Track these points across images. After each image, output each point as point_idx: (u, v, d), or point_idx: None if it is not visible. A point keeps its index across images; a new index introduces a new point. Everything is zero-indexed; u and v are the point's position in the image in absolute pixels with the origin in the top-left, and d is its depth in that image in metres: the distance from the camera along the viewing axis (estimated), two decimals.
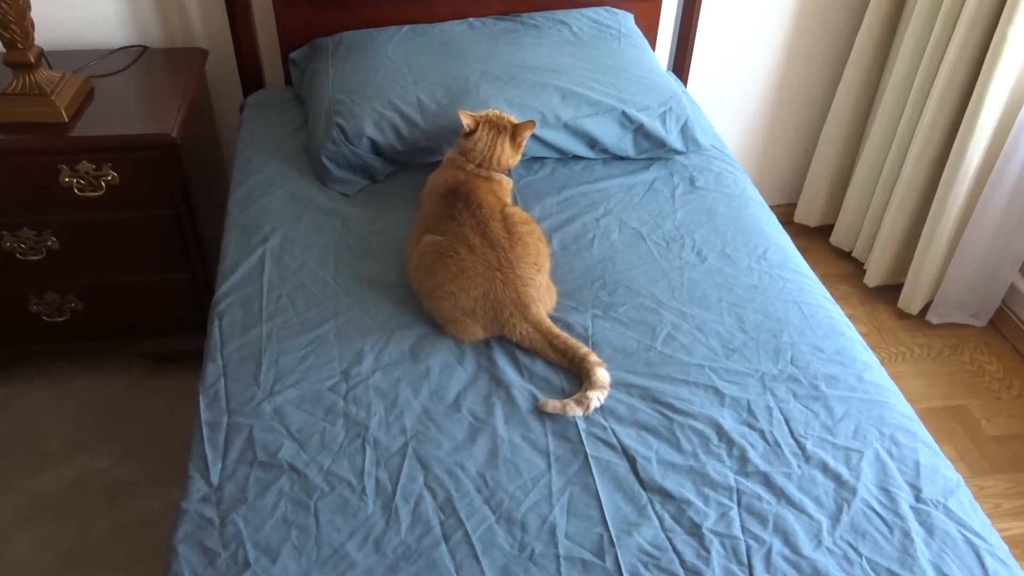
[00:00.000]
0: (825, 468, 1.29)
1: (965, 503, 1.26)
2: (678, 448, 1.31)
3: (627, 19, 2.24)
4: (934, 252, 2.45)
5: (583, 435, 1.32)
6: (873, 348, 1.58)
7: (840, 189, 2.80)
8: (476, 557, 1.15)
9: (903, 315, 2.62)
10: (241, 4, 2.09)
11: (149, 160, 1.90)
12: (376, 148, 1.84)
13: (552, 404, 1.35)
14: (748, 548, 1.18)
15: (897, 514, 1.23)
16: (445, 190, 1.61)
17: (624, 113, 1.89)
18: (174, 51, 2.24)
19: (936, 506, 1.24)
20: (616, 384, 1.40)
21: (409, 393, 1.38)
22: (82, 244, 2.00)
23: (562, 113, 1.87)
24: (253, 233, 1.71)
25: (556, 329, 1.46)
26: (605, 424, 1.34)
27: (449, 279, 1.47)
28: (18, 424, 2.15)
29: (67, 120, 1.88)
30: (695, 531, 1.19)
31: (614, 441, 1.32)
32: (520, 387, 1.40)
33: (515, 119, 1.70)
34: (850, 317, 1.64)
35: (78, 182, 1.89)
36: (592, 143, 1.91)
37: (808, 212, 2.88)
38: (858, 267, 2.78)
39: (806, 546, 1.18)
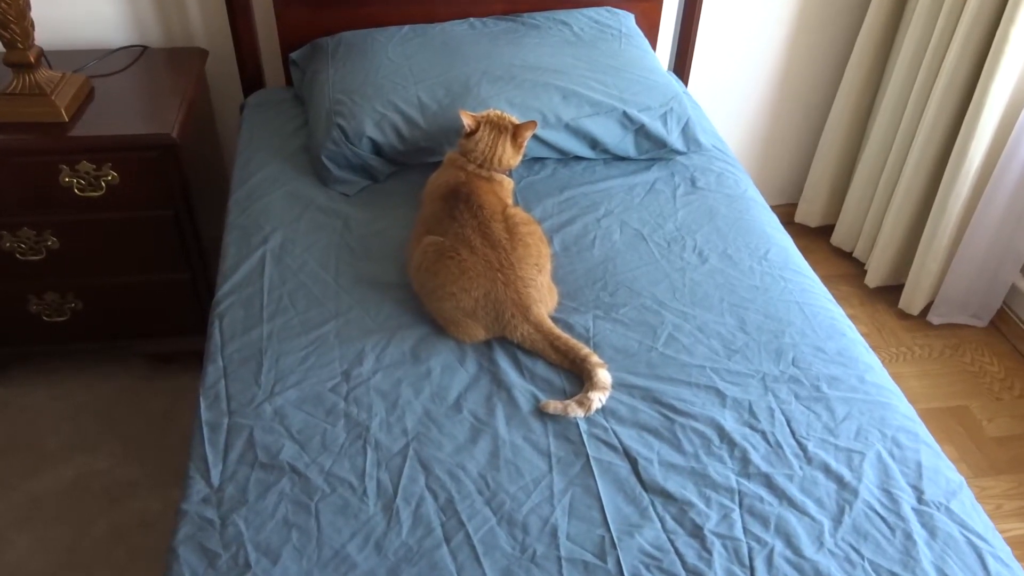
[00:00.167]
0: (827, 469, 1.29)
1: (967, 505, 1.26)
2: (680, 449, 1.31)
3: (628, 19, 2.24)
4: (935, 252, 2.44)
5: (584, 436, 1.32)
6: (874, 349, 1.58)
7: (841, 189, 2.80)
8: (477, 559, 1.15)
9: (904, 315, 2.61)
10: (241, 4, 2.08)
11: (149, 160, 1.89)
12: (377, 148, 1.84)
13: (553, 405, 1.35)
14: (750, 550, 1.17)
15: (899, 516, 1.23)
16: (446, 190, 1.61)
17: (625, 113, 1.89)
18: (174, 51, 2.23)
19: (938, 508, 1.24)
20: (617, 385, 1.40)
21: (410, 394, 1.38)
22: (82, 244, 1.99)
23: (563, 113, 1.87)
24: (253, 233, 1.70)
25: (557, 330, 1.46)
26: (606, 425, 1.34)
27: (450, 280, 1.47)
28: (18, 424, 2.14)
29: (67, 120, 1.88)
30: (697, 532, 1.19)
31: (615, 442, 1.31)
32: (521, 388, 1.40)
33: (516, 119, 1.69)
34: (851, 317, 1.64)
35: (78, 182, 1.89)
36: (593, 143, 1.91)
37: (809, 212, 2.88)
38: (859, 267, 2.77)
39: (808, 548, 1.18)
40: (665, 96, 1.94)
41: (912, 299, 2.56)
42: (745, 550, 1.17)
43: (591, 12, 2.21)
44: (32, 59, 1.85)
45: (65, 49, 2.16)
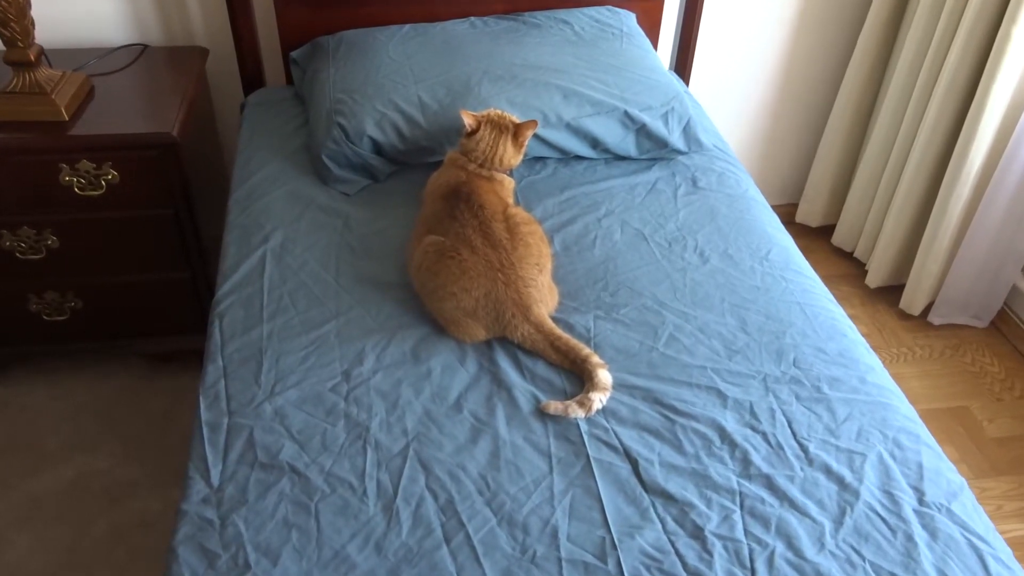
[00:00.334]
0: (828, 471, 1.28)
1: (968, 506, 1.26)
2: (680, 450, 1.30)
3: (629, 18, 2.23)
4: (936, 253, 2.44)
5: (585, 437, 1.31)
6: (875, 349, 1.58)
7: (842, 189, 2.80)
8: (478, 559, 1.15)
9: (905, 316, 2.61)
10: (242, 2, 2.08)
11: (149, 159, 1.89)
12: (377, 147, 1.84)
13: (554, 405, 1.34)
14: (751, 551, 1.17)
15: (900, 517, 1.22)
16: (447, 190, 1.60)
17: (626, 113, 1.88)
18: (174, 50, 2.23)
19: (939, 509, 1.24)
20: (618, 385, 1.39)
21: (410, 394, 1.37)
22: (82, 243, 1.99)
23: (564, 113, 1.86)
24: (254, 233, 1.70)
25: (558, 330, 1.46)
26: (607, 426, 1.33)
27: (451, 280, 1.46)
28: (17, 424, 2.14)
29: (67, 119, 1.87)
30: (697, 534, 1.19)
31: (616, 443, 1.31)
32: (522, 388, 1.39)
33: (516, 119, 1.69)
34: (851, 318, 1.63)
35: (78, 181, 1.89)
36: (594, 143, 1.91)
37: (810, 212, 2.87)
38: (860, 268, 2.77)
39: (809, 549, 1.18)
40: (666, 96, 1.94)
41: (913, 299, 2.56)
42: (746, 551, 1.17)
43: (592, 11, 2.21)
44: (32, 58, 1.84)
45: (65, 48, 2.16)
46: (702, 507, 1.22)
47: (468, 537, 1.17)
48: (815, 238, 2.89)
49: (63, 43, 2.17)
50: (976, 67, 2.24)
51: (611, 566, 1.14)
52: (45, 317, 2.10)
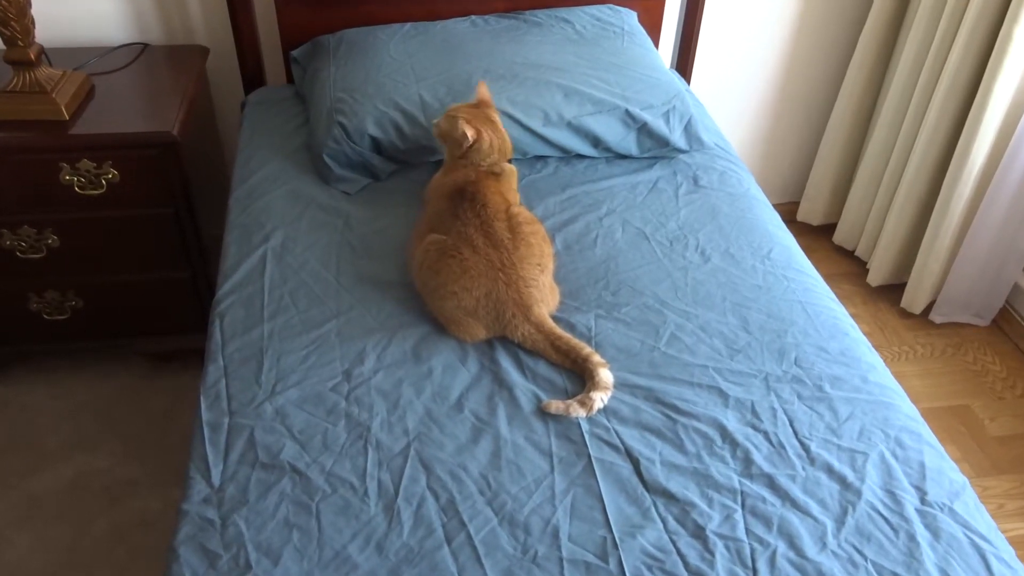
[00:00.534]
0: (830, 470, 1.28)
1: (971, 506, 1.25)
2: (682, 450, 1.30)
3: (630, 17, 2.23)
4: (937, 251, 2.44)
5: (586, 436, 1.31)
6: (876, 348, 1.58)
7: (843, 188, 2.80)
8: (479, 559, 1.14)
9: (906, 314, 2.61)
10: (242, 1, 2.08)
11: (150, 158, 1.89)
12: (378, 146, 1.83)
13: (555, 405, 1.34)
14: (752, 551, 1.17)
15: (902, 517, 1.22)
16: (452, 189, 1.60)
17: (627, 111, 1.88)
18: (175, 48, 2.23)
19: (942, 509, 1.24)
20: (619, 385, 1.39)
21: (411, 394, 1.37)
22: (82, 242, 1.99)
23: (565, 111, 1.86)
24: (254, 232, 1.70)
25: (559, 330, 1.45)
26: (608, 425, 1.33)
27: (451, 279, 1.46)
28: (17, 423, 2.14)
29: (67, 118, 1.87)
30: (699, 533, 1.19)
31: (617, 442, 1.31)
32: (523, 388, 1.39)
33: (476, 99, 1.71)
34: (853, 316, 1.63)
35: (79, 180, 1.88)
36: (595, 142, 1.90)
37: (811, 211, 2.87)
38: (861, 266, 2.77)
39: (811, 549, 1.17)
40: (667, 94, 1.93)
41: (914, 298, 2.56)
42: (748, 551, 1.17)
43: (593, 10, 2.21)
44: (32, 57, 1.84)
45: (65, 46, 2.15)
46: (704, 507, 1.22)
47: (469, 537, 1.17)
48: (816, 237, 2.89)
49: (63, 42, 2.17)
50: (978, 66, 2.24)
51: (612, 566, 1.14)
52: (45, 316, 2.10)
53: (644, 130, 1.90)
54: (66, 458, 2.05)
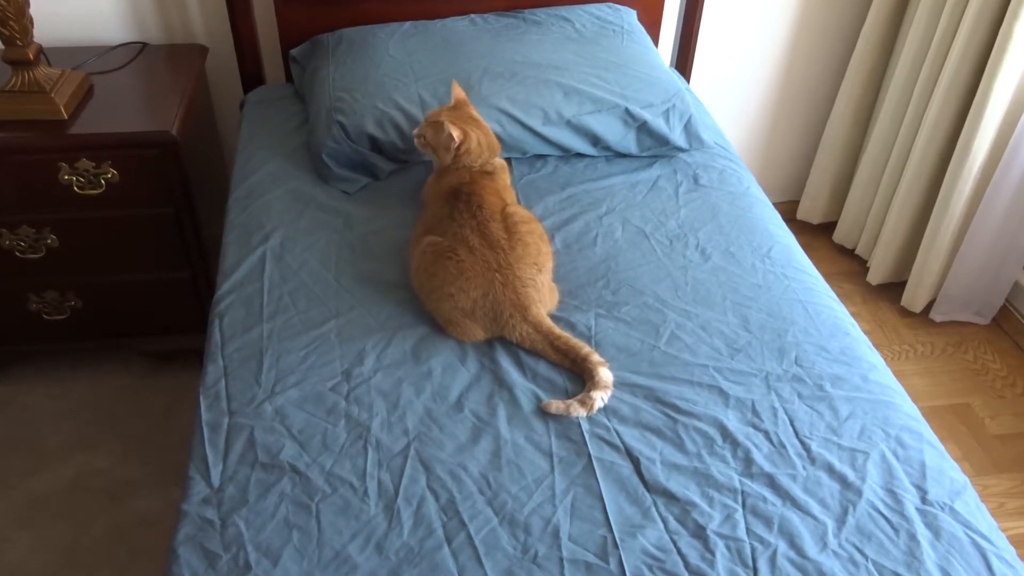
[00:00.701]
0: (830, 469, 1.28)
1: (971, 505, 1.25)
2: (682, 449, 1.30)
3: (630, 15, 2.22)
4: (938, 250, 2.44)
5: (586, 436, 1.31)
6: (876, 346, 1.57)
7: (843, 186, 2.79)
8: (479, 559, 1.14)
9: (906, 313, 2.61)
10: (241, 0, 2.07)
11: (149, 158, 1.89)
12: (377, 146, 1.83)
13: (555, 405, 1.34)
14: (753, 550, 1.17)
15: (903, 516, 1.22)
16: (448, 191, 1.60)
17: (627, 110, 1.88)
18: (174, 48, 2.22)
19: (942, 508, 1.23)
20: (620, 384, 1.39)
21: (411, 393, 1.37)
22: (82, 242, 1.99)
23: (565, 110, 1.86)
24: (254, 232, 1.69)
25: (557, 329, 1.45)
26: (609, 425, 1.33)
27: (448, 280, 1.46)
28: (17, 423, 2.14)
29: (66, 117, 1.87)
30: (699, 533, 1.18)
31: (618, 442, 1.31)
32: (523, 387, 1.39)
33: (453, 103, 1.72)
34: (853, 315, 1.63)
35: (78, 180, 1.88)
36: (595, 140, 1.90)
37: (811, 209, 2.87)
38: (861, 265, 2.76)
39: (811, 548, 1.17)
40: (667, 93, 1.93)
41: (915, 297, 2.56)
42: (748, 551, 1.17)
43: (593, 8, 2.20)
44: (31, 56, 1.84)
45: (64, 46, 2.15)
46: (704, 506, 1.22)
47: (469, 537, 1.17)
48: (816, 235, 2.88)
49: (62, 41, 2.16)
50: (978, 63, 2.23)
51: (613, 566, 1.14)
52: (45, 316, 2.10)
53: (644, 129, 1.90)
54: (66, 458, 2.05)
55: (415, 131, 1.72)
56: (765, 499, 1.23)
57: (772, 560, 1.16)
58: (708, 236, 1.73)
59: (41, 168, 1.87)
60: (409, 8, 2.15)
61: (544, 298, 1.50)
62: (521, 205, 1.71)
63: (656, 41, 2.37)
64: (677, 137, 1.93)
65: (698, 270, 1.64)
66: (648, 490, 1.24)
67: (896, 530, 1.20)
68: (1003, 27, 2.12)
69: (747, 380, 1.42)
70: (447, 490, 1.23)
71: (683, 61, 2.41)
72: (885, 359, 1.53)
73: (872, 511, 1.22)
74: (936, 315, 2.57)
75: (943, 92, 2.29)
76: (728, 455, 1.30)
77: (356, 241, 1.68)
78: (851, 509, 1.22)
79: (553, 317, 1.50)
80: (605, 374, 1.38)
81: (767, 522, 1.20)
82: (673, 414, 1.35)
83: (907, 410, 1.40)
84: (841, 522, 1.21)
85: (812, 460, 1.29)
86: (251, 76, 2.21)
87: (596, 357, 1.40)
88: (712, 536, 1.18)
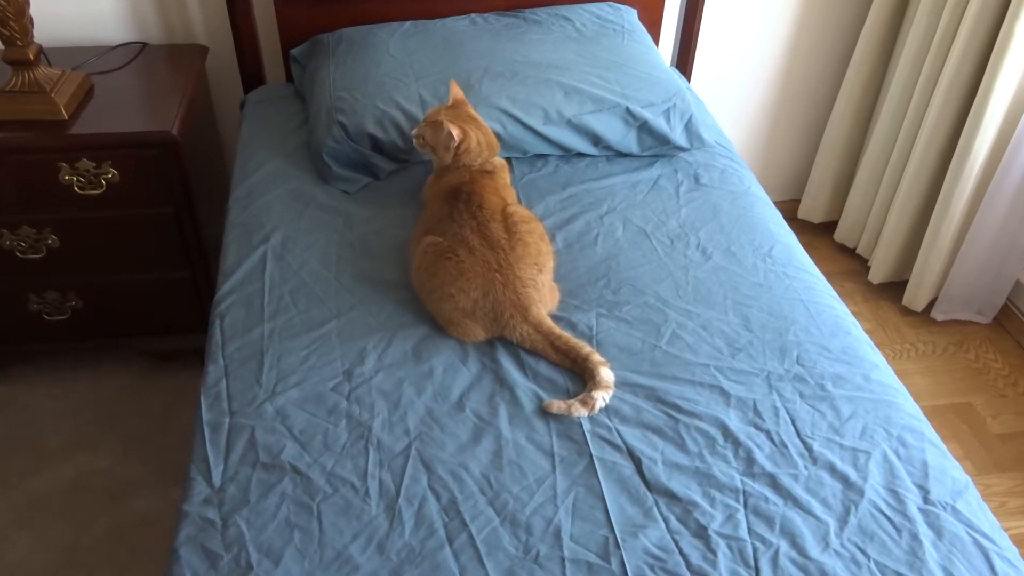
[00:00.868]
0: (832, 469, 1.28)
1: (974, 504, 1.25)
2: (684, 449, 1.30)
3: (630, 15, 2.22)
4: (939, 249, 2.43)
5: (588, 436, 1.31)
6: (877, 345, 1.57)
7: (844, 185, 2.79)
8: (481, 560, 1.14)
9: (908, 312, 2.60)
10: (241, 0, 2.07)
11: (149, 158, 1.88)
12: (378, 145, 1.83)
13: (557, 405, 1.34)
14: (755, 550, 1.17)
15: (905, 516, 1.22)
16: (448, 191, 1.60)
17: (628, 110, 1.87)
18: (174, 47, 2.22)
19: (945, 508, 1.23)
20: (621, 384, 1.39)
21: (412, 393, 1.37)
22: (82, 242, 1.99)
23: (565, 110, 1.86)
24: (254, 231, 1.69)
25: (558, 329, 1.45)
26: (610, 424, 1.33)
27: (448, 281, 1.46)
28: (18, 423, 2.14)
29: (67, 118, 1.87)
30: (701, 533, 1.18)
31: (619, 442, 1.30)
32: (524, 387, 1.39)
33: (451, 101, 1.72)
34: (854, 314, 1.63)
35: (78, 180, 1.88)
36: (596, 140, 1.90)
37: (812, 208, 2.86)
38: (862, 264, 2.76)
39: (813, 548, 1.17)
40: (668, 92, 1.93)
41: (916, 296, 2.55)
42: (750, 551, 1.17)
43: (593, 7, 2.20)
44: (31, 56, 1.83)
45: (64, 46, 2.15)
46: (706, 506, 1.22)
47: (471, 537, 1.17)
48: (817, 234, 2.88)
49: (62, 41, 2.16)
50: (979, 62, 2.23)
51: (615, 566, 1.14)
52: (46, 316, 2.10)
53: (645, 128, 1.90)
54: (66, 458, 2.05)
55: (414, 131, 1.72)
56: (767, 499, 1.23)
57: (774, 560, 1.15)
58: (709, 235, 1.73)
59: (41, 168, 1.86)
60: (409, 8, 2.15)
61: (545, 298, 1.50)
62: (522, 204, 1.71)
63: (657, 40, 2.37)
64: (678, 136, 1.92)
65: (699, 269, 1.64)
66: (650, 490, 1.24)
67: (898, 530, 1.20)
68: (1004, 26, 2.11)
69: (748, 380, 1.42)
70: (448, 490, 1.22)
71: (684, 60, 2.41)
72: (886, 358, 1.53)
73: (874, 511, 1.22)
74: (937, 314, 2.57)
75: (944, 91, 2.28)
76: (730, 455, 1.29)
77: (356, 241, 1.68)
78: (853, 509, 1.22)
79: (554, 317, 1.50)
80: (606, 374, 1.37)
81: (769, 522, 1.20)
82: (674, 414, 1.35)
83: (909, 409, 1.40)
84: (843, 522, 1.21)
85: (814, 460, 1.29)
86: (251, 76, 2.21)
87: (597, 357, 1.40)
88: (714, 536, 1.18)
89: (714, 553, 1.16)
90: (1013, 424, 2.27)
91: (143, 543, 1.88)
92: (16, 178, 1.88)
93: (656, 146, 1.94)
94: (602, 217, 1.77)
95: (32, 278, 2.04)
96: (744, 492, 1.24)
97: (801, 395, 1.39)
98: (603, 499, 1.22)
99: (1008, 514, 2.03)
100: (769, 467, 1.27)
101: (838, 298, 1.64)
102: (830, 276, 1.78)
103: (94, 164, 1.87)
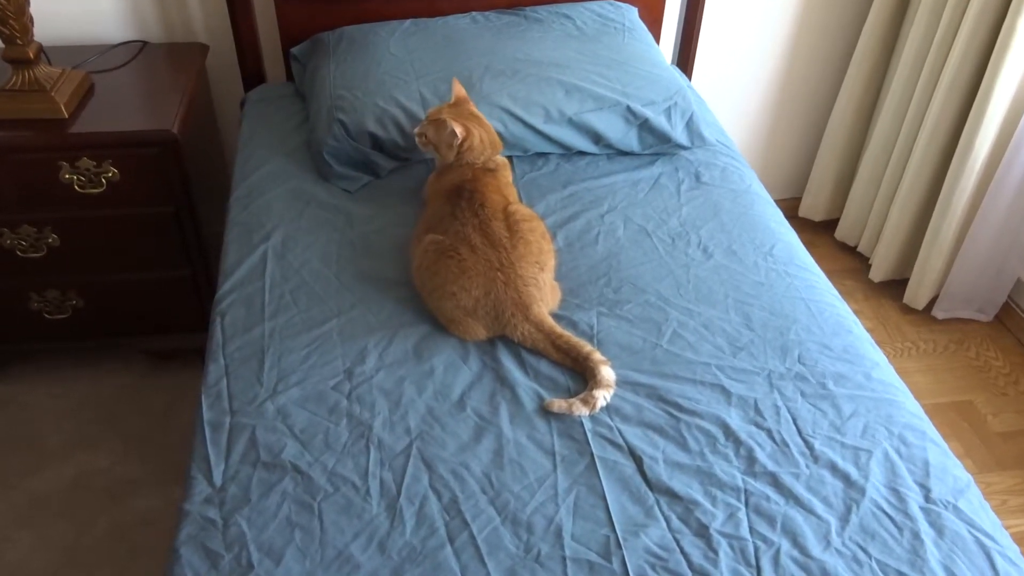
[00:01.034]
0: (834, 468, 1.27)
1: (975, 503, 1.25)
2: (685, 448, 1.30)
3: (631, 13, 2.22)
4: (940, 247, 2.43)
5: (589, 435, 1.31)
6: (879, 344, 1.57)
7: (845, 183, 2.79)
8: (482, 559, 1.14)
9: (909, 310, 2.60)
10: None
11: (150, 156, 1.88)
12: (378, 144, 1.83)
13: (558, 404, 1.34)
14: (756, 549, 1.17)
15: (907, 515, 1.22)
16: (450, 189, 1.60)
17: (629, 108, 1.87)
18: (174, 46, 2.22)
19: (946, 506, 1.23)
20: (622, 383, 1.39)
21: (413, 392, 1.37)
22: (83, 241, 1.98)
23: (566, 108, 1.85)
24: (255, 230, 1.69)
25: (559, 328, 1.45)
26: (611, 423, 1.33)
27: (450, 279, 1.46)
28: (18, 422, 2.14)
29: (67, 116, 1.86)
30: (703, 532, 1.18)
31: (620, 441, 1.30)
32: (525, 386, 1.39)
33: (453, 99, 1.72)
34: (855, 312, 1.63)
35: (78, 179, 1.88)
36: (596, 138, 1.90)
37: (813, 206, 2.86)
38: (863, 262, 2.76)
39: (815, 547, 1.17)
40: (669, 90, 1.93)
41: (917, 294, 2.55)
42: (751, 550, 1.16)
43: (594, 6, 2.20)
44: (31, 55, 1.83)
45: (64, 45, 2.15)
46: (707, 505, 1.21)
47: (472, 536, 1.16)
48: (818, 233, 2.88)
49: (62, 40, 2.16)
50: (980, 59, 2.23)
51: (616, 565, 1.14)
52: (46, 315, 2.10)
53: (646, 126, 1.90)
54: (67, 457, 2.05)
55: (416, 130, 1.72)
56: (768, 498, 1.23)
57: (775, 559, 1.15)
58: (710, 234, 1.73)
59: (42, 167, 1.86)
60: (410, 6, 2.15)
61: (546, 297, 1.49)
62: (523, 203, 1.70)
63: (657, 38, 2.36)
64: (679, 135, 1.92)
65: (700, 268, 1.64)
66: (651, 489, 1.24)
67: (900, 528, 1.20)
68: (1005, 24, 2.11)
69: (750, 378, 1.41)
70: (449, 489, 1.22)
71: (684, 58, 2.41)
72: (887, 357, 1.53)
73: (875, 509, 1.22)
74: (938, 312, 2.57)
75: (945, 89, 2.28)
76: (731, 454, 1.29)
77: (357, 239, 1.68)
78: (854, 507, 1.22)
79: (555, 316, 1.49)
80: (607, 372, 1.37)
81: (770, 521, 1.20)
82: (676, 412, 1.35)
83: (910, 408, 1.40)
84: (844, 521, 1.20)
85: (815, 458, 1.29)
86: (252, 74, 2.20)
87: (598, 356, 1.40)
88: (715, 535, 1.18)
89: (715, 552, 1.16)
90: (1014, 422, 2.27)
91: (144, 542, 1.88)
92: (16, 177, 1.88)
93: (657, 144, 1.93)
94: (603, 215, 1.76)
95: (32, 277, 2.03)
96: (745, 491, 1.24)
97: (802, 394, 1.39)
98: (604, 498, 1.22)
99: (1009, 512, 2.03)
100: (770, 466, 1.27)
101: (839, 296, 1.63)
102: (831, 274, 1.78)
103: (94, 163, 1.86)
